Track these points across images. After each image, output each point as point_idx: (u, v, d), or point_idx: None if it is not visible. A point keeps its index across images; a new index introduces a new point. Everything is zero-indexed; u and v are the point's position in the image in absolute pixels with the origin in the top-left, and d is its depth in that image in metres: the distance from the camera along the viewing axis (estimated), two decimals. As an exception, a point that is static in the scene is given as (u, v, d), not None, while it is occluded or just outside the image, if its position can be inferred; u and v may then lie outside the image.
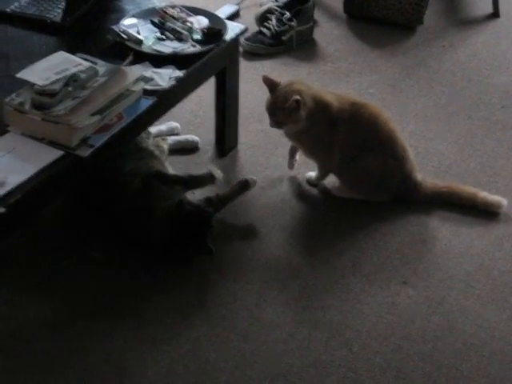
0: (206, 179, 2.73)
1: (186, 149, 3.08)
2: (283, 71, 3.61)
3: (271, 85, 2.74)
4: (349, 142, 2.78)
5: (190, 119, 3.26)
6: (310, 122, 2.72)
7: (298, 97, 2.64)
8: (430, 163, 3.07)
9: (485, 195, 2.83)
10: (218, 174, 2.74)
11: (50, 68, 2.35)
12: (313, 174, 2.94)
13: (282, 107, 2.67)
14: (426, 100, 3.45)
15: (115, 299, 2.50)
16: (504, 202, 2.82)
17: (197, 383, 2.26)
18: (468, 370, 2.31)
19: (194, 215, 2.54)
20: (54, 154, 2.23)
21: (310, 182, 2.96)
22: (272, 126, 2.75)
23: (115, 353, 2.33)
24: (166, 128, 3.10)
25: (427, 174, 2.98)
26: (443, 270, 2.63)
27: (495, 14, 4.10)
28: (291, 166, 2.98)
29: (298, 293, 2.54)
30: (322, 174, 2.92)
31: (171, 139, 3.04)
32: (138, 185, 2.62)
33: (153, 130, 2.97)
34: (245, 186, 2.80)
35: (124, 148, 2.61)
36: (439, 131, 3.26)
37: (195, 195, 2.75)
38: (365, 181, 2.83)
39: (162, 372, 2.28)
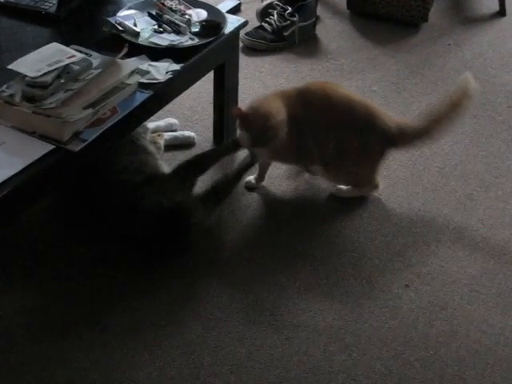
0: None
1: (182, 145, 3.01)
2: (284, 67, 3.54)
3: (242, 118, 2.57)
4: (316, 133, 2.65)
5: (189, 115, 3.20)
6: (278, 139, 2.57)
7: (271, 123, 2.50)
8: (435, 163, 3.00)
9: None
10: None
11: (43, 59, 2.28)
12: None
13: (260, 140, 2.55)
14: (430, 98, 3.37)
15: (105, 300, 2.43)
16: None
17: (190, 388, 2.20)
18: (472, 377, 2.25)
19: (174, 213, 2.50)
20: (45, 147, 2.15)
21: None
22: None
23: (105, 355, 2.26)
24: (164, 124, 3.06)
25: (431, 174, 2.92)
26: (447, 273, 2.57)
27: (501, 13, 4.06)
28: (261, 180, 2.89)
29: (297, 295, 2.47)
30: (310, 171, 2.86)
31: (167, 135, 2.99)
32: (138, 180, 2.56)
33: (151, 125, 2.94)
34: (235, 145, 2.75)
35: (117, 143, 2.54)
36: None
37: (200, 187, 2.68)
38: (353, 166, 2.73)
39: (153, 376, 2.21)
